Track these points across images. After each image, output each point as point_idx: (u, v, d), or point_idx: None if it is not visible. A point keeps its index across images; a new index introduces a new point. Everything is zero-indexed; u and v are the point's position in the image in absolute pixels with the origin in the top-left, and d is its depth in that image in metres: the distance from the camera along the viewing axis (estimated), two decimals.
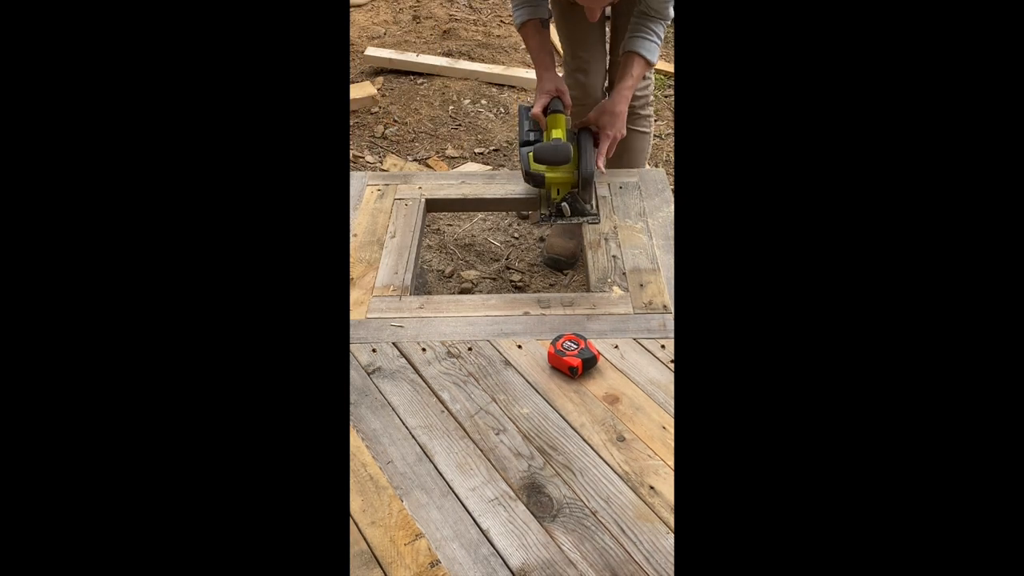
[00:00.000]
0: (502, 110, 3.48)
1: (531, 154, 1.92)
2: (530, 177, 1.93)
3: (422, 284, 2.33)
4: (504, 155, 3.19)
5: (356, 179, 2.10)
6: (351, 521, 1.22)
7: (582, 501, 1.25)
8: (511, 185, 2.07)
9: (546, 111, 2.00)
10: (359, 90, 3.51)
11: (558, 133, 1.97)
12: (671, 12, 1.98)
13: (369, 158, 3.16)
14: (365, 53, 3.78)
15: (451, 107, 3.50)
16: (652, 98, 2.39)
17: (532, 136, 2.02)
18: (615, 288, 1.72)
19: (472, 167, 3.09)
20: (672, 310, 1.65)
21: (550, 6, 2.12)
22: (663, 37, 2.02)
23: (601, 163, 1.94)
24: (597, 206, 1.94)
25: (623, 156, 2.32)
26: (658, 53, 2.03)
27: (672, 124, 3.28)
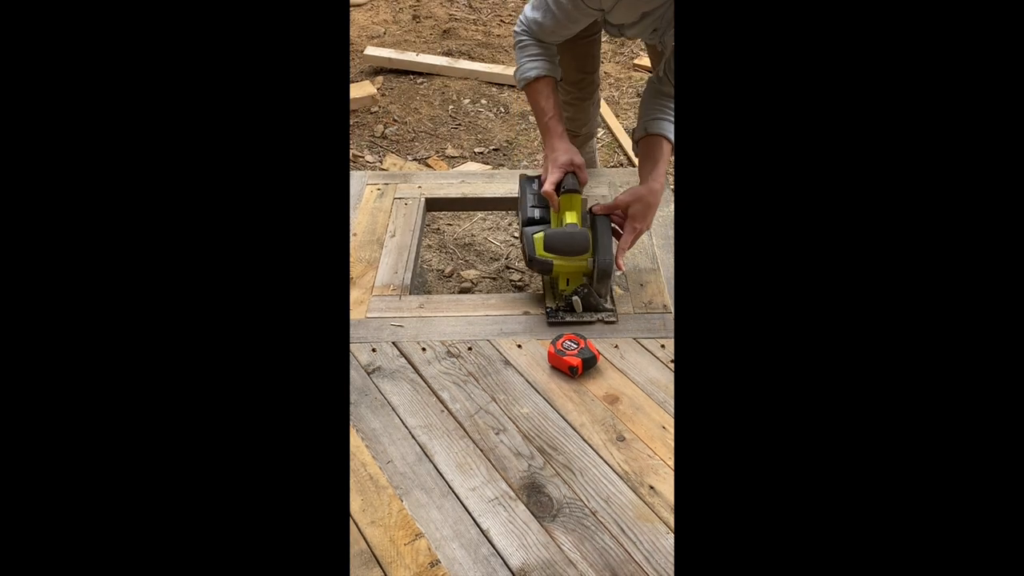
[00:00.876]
0: (502, 109, 3.48)
1: (538, 236, 1.65)
2: (535, 263, 1.65)
3: (422, 284, 2.33)
4: (504, 154, 3.20)
5: (356, 178, 2.10)
6: (351, 521, 1.22)
7: (582, 501, 1.25)
8: (511, 184, 2.06)
9: (559, 189, 1.69)
10: (359, 89, 3.51)
11: (572, 218, 1.67)
12: None
13: (369, 157, 3.16)
14: (364, 52, 3.78)
15: (451, 106, 3.50)
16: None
17: (538, 214, 1.72)
18: (615, 288, 1.72)
19: (472, 166, 3.09)
20: (672, 309, 1.65)
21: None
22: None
23: (622, 261, 1.66)
24: (614, 300, 1.70)
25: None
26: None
27: None
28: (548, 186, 1.68)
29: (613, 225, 1.68)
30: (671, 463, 1.31)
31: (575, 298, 1.65)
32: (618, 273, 1.68)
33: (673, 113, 1.73)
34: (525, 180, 1.79)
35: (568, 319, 1.65)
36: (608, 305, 1.67)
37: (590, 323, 1.65)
